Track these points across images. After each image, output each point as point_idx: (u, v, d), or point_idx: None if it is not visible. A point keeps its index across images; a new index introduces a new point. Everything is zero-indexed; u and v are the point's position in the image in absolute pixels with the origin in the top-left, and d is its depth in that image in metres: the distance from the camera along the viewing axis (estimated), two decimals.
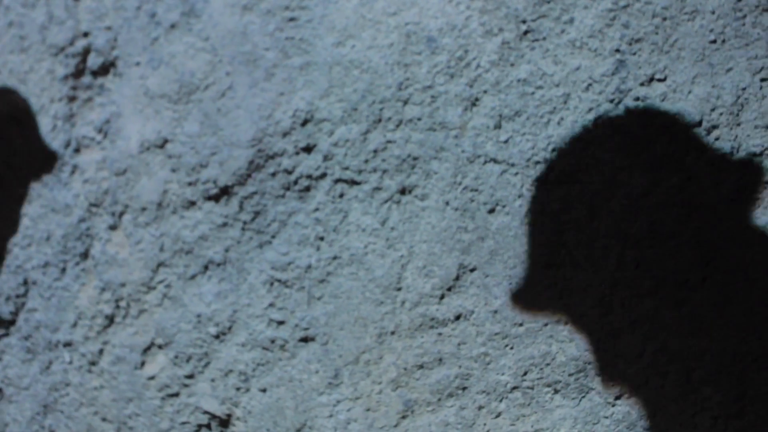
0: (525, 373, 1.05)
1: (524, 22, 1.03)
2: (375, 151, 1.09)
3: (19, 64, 1.27)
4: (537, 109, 1.03)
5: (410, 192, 1.08)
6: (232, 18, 1.15)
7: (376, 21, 1.08)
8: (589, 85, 1.01)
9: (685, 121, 0.99)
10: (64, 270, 1.24)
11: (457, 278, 1.06)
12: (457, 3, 1.05)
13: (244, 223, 1.15)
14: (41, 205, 1.25)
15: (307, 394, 1.13)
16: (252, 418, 1.16)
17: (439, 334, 1.07)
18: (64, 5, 1.24)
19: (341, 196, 1.10)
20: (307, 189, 1.12)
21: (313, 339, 1.12)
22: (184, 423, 1.19)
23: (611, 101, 1.01)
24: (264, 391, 1.15)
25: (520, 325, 1.05)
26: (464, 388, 1.07)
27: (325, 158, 1.11)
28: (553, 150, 1.03)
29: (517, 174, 1.04)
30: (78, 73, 1.24)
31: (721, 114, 0.98)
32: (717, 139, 0.98)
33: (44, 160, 1.23)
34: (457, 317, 1.07)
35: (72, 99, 1.24)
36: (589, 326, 1.02)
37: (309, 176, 1.12)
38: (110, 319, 1.22)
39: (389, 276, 1.09)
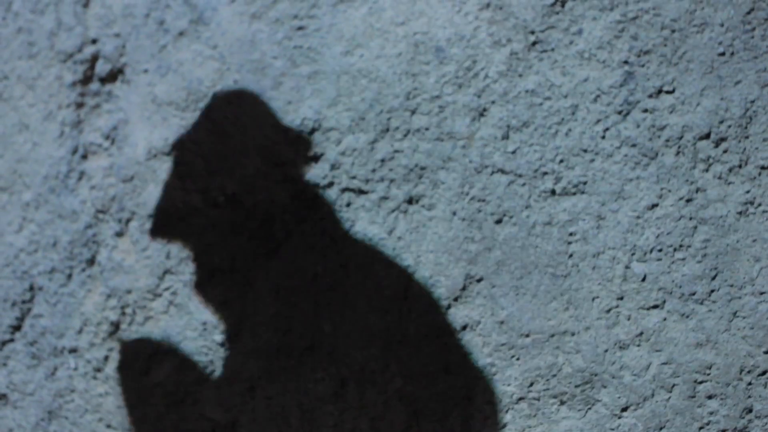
0: (531, 384, 1.04)
1: (533, 33, 1.03)
2: (382, 161, 1.09)
3: (28, 70, 1.27)
4: (545, 120, 1.03)
5: (417, 202, 1.08)
6: (240, 26, 1.15)
7: (385, 31, 1.09)
8: (597, 96, 1.01)
9: (694, 134, 0.99)
10: (70, 276, 1.24)
11: (464, 288, 1.06)
12: (466, 13, 1.06)
13: (251, 230, 1.15)
14: (48, 210, 1.25)
15: (313, 403, 1.13)
16: (256, 426, 1.16)
17: (445, 344, 1.07)
18: (73, 12, 1.24)
19: (348, 205, 1.10)
20: (315, 197, 1.12)
21: (319, 348, 1.12)
22: (188, 430, 1.19)
23: (619, 113, 1.01)
24: (269, 399, 1.15)
25: (527, 335, 1.04)
26: (470, 399, 1.07)
27: (333, 167, 1.11)
28: (561, 161, 1.03)
29: (524, 185, 1.04)
30: (86, 79, 1.24)
31: (729, 126, 0.98)
32: (725, 151, 0.98)
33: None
34: (464, 327, 1.07)
35: (80, 105, 1.25)
36: (595, 338, 1.02)
37: (316, 185, 1.12)
38: (116, 326, 1.22)
39: (396, 285, 1.09)
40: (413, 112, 1.07)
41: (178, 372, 1.19)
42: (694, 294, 0.99)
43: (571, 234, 1.03)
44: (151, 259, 1.20)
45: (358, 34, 1.10)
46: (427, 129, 1.07)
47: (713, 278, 0.99)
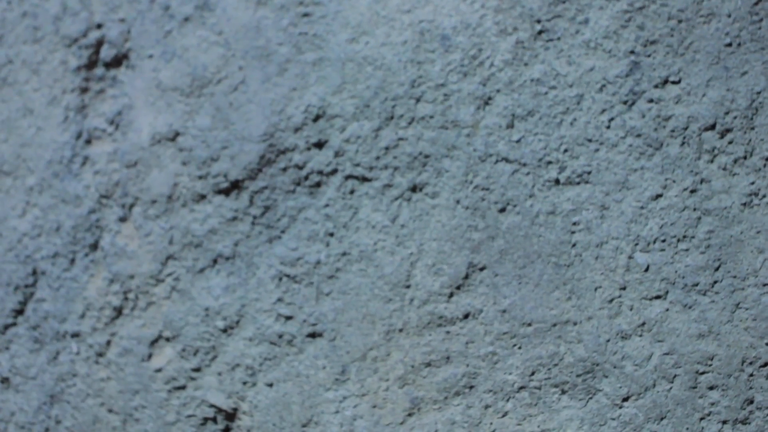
0: (532, 373, 1.04)
1: (539, 21, 1.03)
2: (386, 148, 1.09)
3: (32, 55, 1.27)
4: (550, 109, 1.03)
5: (421, 190, 1.08)
6: (245, 12, 1.15)
7: (390, 18, 1.08)
8: (603, 86, 1.01)
9: (699, 124, 0.99)
10: (73, 261, 1.25)
11: (467, 277, 1.06)
12: (472, 1, 1.05)
13: (254, 217, 1.15)
14: (51, 195, 1.26)
15: (314, 390, 1.13)
16: (258, 413, 1.16)
17: (447, 332, 1.07)
18: None
19: (352, 192, 1.10)
20: (318, 185, 1.12)
21: (320, 335, 1.12)
22: (190, 416, 1.19)
23: (625, 103, 1.01)
24: (271, 385, 1.15)
25: (529, 324, 1.04)
26: (471, 387, 1.07)
27: (337, 154, 1.11)
28: (566, 150, 1.03)
29: (528, 174, 1.04)
30: (91, 64, 1.24)
31: (735, 117, 0.98)
32: (731, 142, 0.98)
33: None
34: (466, 316, 1.07)
35: (84, 90, 1.25)
36: (597, 328, 1.02)
37: (320, 172, 1.12)
38: (118, 311, 1.23)
39: (398, 273, 1.09)
40: (418, 100, 1.07)
41: (180, 358, 1.19)
42: (697, 285, 0.99)
43: (574, 224, 1.03)
44: (154, 245, 1.20)
45: (363, 22, 1.09)
46: (431, 117, 1.07)
47: (716, 269, 0.99)
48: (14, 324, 1.30)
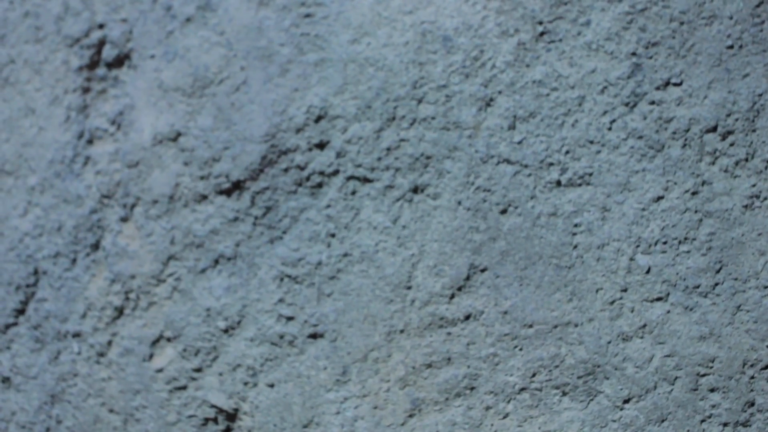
0: (533, 375, 1.05)
1: (541, 23, 1.03)
2: (388, 149, 1.09)
3: (34, 55, 1.27)
4: (551, 110, 1.03)
5: (422, 191, 1.08)
6: (247, 13, 1.15)
7: (392, 19, 1.08)
8: (605, 87, 1.01)
9: (700, 126, 0.99)
10: (74, 261, 1.25)
11: (468, 278, 1.06)
12: (474, 3, 1.05)
13: (256, 218, 1.15)
14: (53, 195, 1.26)
15: (315, 391, 1.13)
16: (259, 413, 1.16)
17: (449, 333, 1.07)
18: None
19: (353, 193, 1.10)
20: (319, 185, 1.12)
21: (321, 335, 1.12)
22: (191, 416, 1.20)
23: (626, 104, 1.01)
24: (272, 386, 1.15)
25: (530, 326, 1.04)
26: (472, 388, 1.07)
27: (338, 155, 1.11)
28: (567, 152, 1.03)
29: (530, 175, 1.04)
30: (93, 64, 1.24)
31: (736, 120, 0.98)
32: (732, 144, 0.98)
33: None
34: (467, 317, 1.07)
35: (86, 90, 1.25)
36: (598, 329, 1.02)
37: (321, 173, 1.12)
38: (120, 311, 1.23)
39: (400, 274, 1.09)
40: (420, 101, 1.07)
41: (181, 358, 1.19)
42: (698, 287, 0.99)
43: (575, 225, 1.03)
44: (155, 245, 1.20)
45: (365, 23, 1.09)
46: (433, 118, 1.07)
47: (718, 271, 0.99)
48: (15, 323, 1.30)
